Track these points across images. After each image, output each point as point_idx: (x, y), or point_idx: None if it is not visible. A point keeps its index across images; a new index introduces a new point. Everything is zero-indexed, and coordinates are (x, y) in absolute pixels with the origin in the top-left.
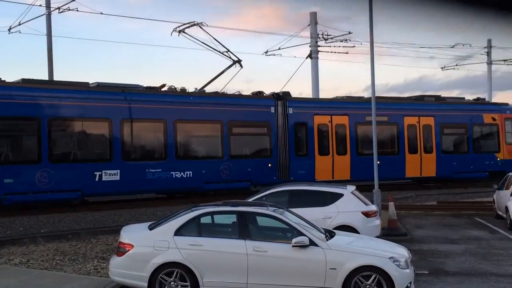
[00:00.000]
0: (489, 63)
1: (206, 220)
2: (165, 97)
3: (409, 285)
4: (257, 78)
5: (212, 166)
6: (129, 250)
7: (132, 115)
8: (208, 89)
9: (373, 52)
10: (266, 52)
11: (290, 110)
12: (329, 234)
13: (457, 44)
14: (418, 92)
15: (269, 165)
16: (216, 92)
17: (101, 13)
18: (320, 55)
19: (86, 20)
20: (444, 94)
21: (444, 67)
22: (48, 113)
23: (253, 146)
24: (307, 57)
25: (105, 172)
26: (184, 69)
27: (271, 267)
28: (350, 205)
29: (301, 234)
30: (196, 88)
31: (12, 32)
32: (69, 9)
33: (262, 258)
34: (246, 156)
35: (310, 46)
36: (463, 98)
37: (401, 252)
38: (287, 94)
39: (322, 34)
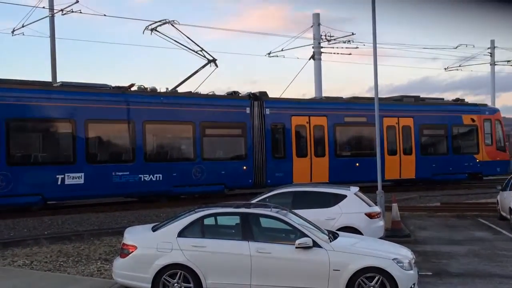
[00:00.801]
0: (493, 63)
1: (209, 221)
2: (133, 97)
3: (412, 286)
4: (260, 80)
5: (183, 168)
6: (132, 251)
7: (97, 115)
8: (195, 90)
9: (376, 53)
10: (269, 54)
11: (267, 111)
12: (333, 235)
13: (460, 45)
14: (424, 93)
15: (244, 168)
16: (189, 92)
17: (104, 15)
18: (323, 56)
19: (90, 21)
20: (448, 95)
21: (448, 68)
22: (7, 114)
23: (228, 148)
24: (310, 59)
25: (68, 175)
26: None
27: (274, 269)
28: (353, 206)
29: (305, 235)
30: (167, 88)
31: (15, 34)
32: (72, 11)
33: (266, 260)
34: (220, 158)
35: (313, 47)
36: (443, 99)
37: (405, 253)
38: (264, 94)
39: (325, 35)
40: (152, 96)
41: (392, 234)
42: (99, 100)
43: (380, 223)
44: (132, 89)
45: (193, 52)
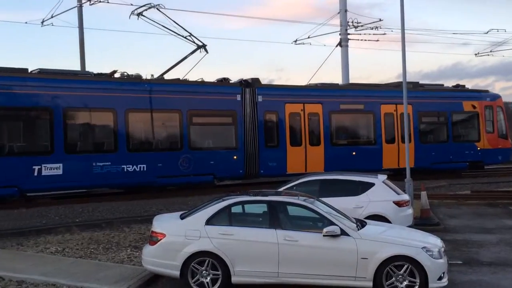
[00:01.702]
0: None
1: (236, 209)
2: (115, 84)
3: (442, 275)
4: (288, 67)
5: (168, 158)
6: (161, 239)
7: (77, 103)
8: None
9: (404, 39)
10: (295, 41)
11: (259, 98)
12: (360, 223)
13: (491, 30)
14: (453, 80)
15: (235, 157)
16: (177, 79)
17: (131, 4)
18: (350, 43)
19: (117, 11)
20: (479, 81)
21: (478, 53)
22: None
23: (217, 137)
24: (337, 46)
25: (45, 166)
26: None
27: (302, 257)
28: (381, 194)
29: (332, 223)
30: (152, 75)
31: (45, 25)
32: (100, 1)
33: (293, 248)
34: (208, 147)
35: (340, 34)
36: (442, 85)
37: (434, 242)
38: (256, 81)
39: (352, 22)
40: (135, 83)
41: (421, 222)
42: (78, 88)
43: (408, 211)
44: (116, 75)
45: (182, 38)
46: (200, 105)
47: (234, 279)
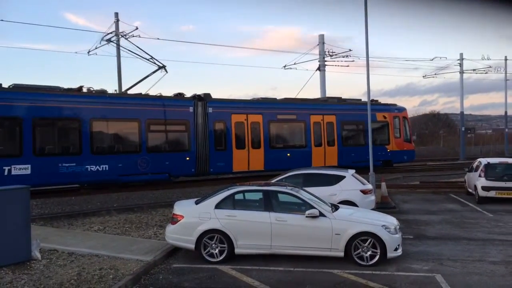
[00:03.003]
0: (461, 72)
1: (239, 196)
2: (80, 97)
3: (397, 247)
4: (279, 86)
5: (128, 160)
6: (180, 220)
7: (45, 113)
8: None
9: (368, 65)
10: (284, 66)
11: (210, 110)
12: (334, 207)
13: (435, 57)
14: (407, 96)
15: (187, 158)
16: (138, 94)
17: (158, 39)
18: (327, 68)
19: (147, 43)
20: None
21: (425, 75)
22: None
23: (172, 142)
24: (316, 70)
25: (14, 167)
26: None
27: (289, 233)
28: (350, 184)
29: (313, 207)
30: (115, 90)
31: (90, 54)
32: (133, 36)
33: (283, 226)
34: (164, 150)
35: (318, 61)
36: (360, 100)
37: (391, 221)
38: (208, 95)
39: (328, 52)
40: (98, 97)
41: (381, 206)
42: (47, 100)
43: (372, 197)
44: (84, 90)
45: (144, 60)
46: (157, 115)
47: (237, 251)
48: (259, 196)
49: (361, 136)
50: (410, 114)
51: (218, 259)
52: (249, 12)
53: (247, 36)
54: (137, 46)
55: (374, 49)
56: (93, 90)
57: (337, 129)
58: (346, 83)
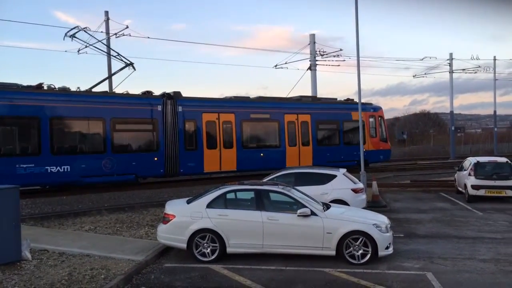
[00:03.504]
0: (451, 72)
1: (230, 196)
2: (39, 95)
3: (389, 245)
4: (270, 86)
5: (91, 160)
6: (172, 219)
7: (1, 112)
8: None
9: (359, 64)
10: (275, 66)
11: (180, 108)
12: (326, 206)
13: (425, 57)
14: (398, 96)
15: (155, 159)
16: (103, 92)
17: (148, 37)
18: (317, 67)
19: (138, 42)
20: (417, 96)
21: (415, 75)
22: None
23: (139, 142)
24: (307, 69)
25: None
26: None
27: (281, 232)
28: (342, 183)
29: (304, 206)
30: (78, 88)
31: (81, 53)
32: (124, 35)
33: (274, 225)
34: (131, 150)
35: (309, 60)
36: (336, 99)
37: (382, 219)
38: (178, 94)
39: (319, 51)
40: (59, 95)
41: (373, 205)
42: (3, 98)
43: (363, 196)
44: (44, 87)
45: (112, 57)
46: (123, 114)
47: (229, 250)
48: (250, 195)
49: (336, 135)
50: (401, 113)
51: (210, 259)
52: (241, 11)
53: (239, 35)
54: (103, 43)
55: (365, 48)
56: (55, 88)
57: (312, 129)
58: (337, 83)
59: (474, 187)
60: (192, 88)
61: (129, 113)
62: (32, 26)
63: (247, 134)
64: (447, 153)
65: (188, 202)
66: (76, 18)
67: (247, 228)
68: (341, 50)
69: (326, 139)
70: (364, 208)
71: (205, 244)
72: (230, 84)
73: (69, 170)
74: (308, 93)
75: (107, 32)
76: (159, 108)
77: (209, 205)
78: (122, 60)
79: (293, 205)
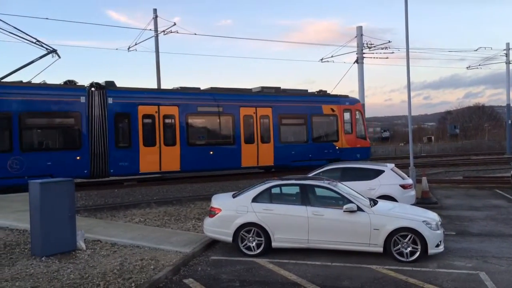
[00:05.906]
0: (508, 62)
1: (276, 190)
2: None
3: (439, 243)
4: (317, 80)
5: None
6: (218, 213)
7: None
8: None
9: (408, 57)
10: (321, 60)
11: (110, 100)
12: (373, 202)
13: (480, 48)
14: (451, 89)
15: (78, 158)
16: (13, 82)
17: (195, 34)
18: (365, 60)
19: (185, 39)
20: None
21: (469, 66)
22: None
23: (57, 138)
24: (354, 62)
25: None
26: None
27: (326, 227)
28: (390, 179)
29: (350, 202)
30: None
31: (130, 51)
32: (171, 32)
33: (320, 220)
34: (45, 148)
35: (356, 53)
36: (306, 90)
37: (433, 216)
38: (110, 83)
39: (367, 44)
40: None
41: (422, 201)
42: None
43: (412, 192)
44: None
45: (31, 43)
46: (36, 107)
47: (274, 244)
48: (296, 190)
49: (304, 131)
50: (453, 106)
51: (255, 252)
52: (287, 5)
53: (285, 30)
54: (17, 28)
55: (415, 39)
56: None
57: (274, 124)
58: (385, 76)
59: None
60: (235, 83)
61: (43, 106)
62: (86, 26)
63: (194, 130)
64: (502, 148)
65: (234, 196)
66: (128, 16)
67: (292, 222)
68: (389, 42)
69: (291, 136)
70: (413, 204)
71: (250, 238)
72: (277, 78)
73: None
74: (355, 87)
75: (156, 30)
76: (82, 99)
77: (255, 200)
78: (43, 46)
79: (339, 201)
